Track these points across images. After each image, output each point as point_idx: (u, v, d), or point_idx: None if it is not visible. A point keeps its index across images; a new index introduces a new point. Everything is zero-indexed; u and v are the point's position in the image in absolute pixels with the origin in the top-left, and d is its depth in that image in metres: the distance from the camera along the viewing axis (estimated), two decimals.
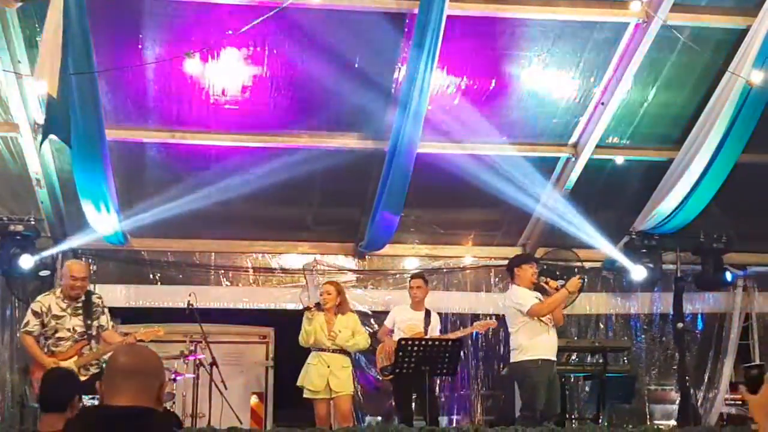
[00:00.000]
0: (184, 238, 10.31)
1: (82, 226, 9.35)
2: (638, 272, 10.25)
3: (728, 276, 10.50)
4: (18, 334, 8.42)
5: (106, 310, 7.80)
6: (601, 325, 10.97)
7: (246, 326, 10.78)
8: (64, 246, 9.59)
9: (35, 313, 7.54)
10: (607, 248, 10.04)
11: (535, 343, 7.76)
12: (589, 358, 9.99)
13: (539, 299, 7.93)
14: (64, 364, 7.31)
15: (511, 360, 7.95)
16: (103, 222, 9.05)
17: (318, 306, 8.55)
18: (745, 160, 9.00)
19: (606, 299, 10.98)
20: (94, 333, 7.60)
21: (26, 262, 9.35)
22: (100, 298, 7.87)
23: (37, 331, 7.51)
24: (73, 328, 7.52)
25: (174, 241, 10.32)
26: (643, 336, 11.08)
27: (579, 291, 8.14)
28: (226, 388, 8.71)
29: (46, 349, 7.49)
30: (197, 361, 9.10)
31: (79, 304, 7.62)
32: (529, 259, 8.58)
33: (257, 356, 10.66)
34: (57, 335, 7.49)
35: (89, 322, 7.58)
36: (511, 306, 7.96)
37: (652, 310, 11.08)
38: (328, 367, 8.37)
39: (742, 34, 8.34)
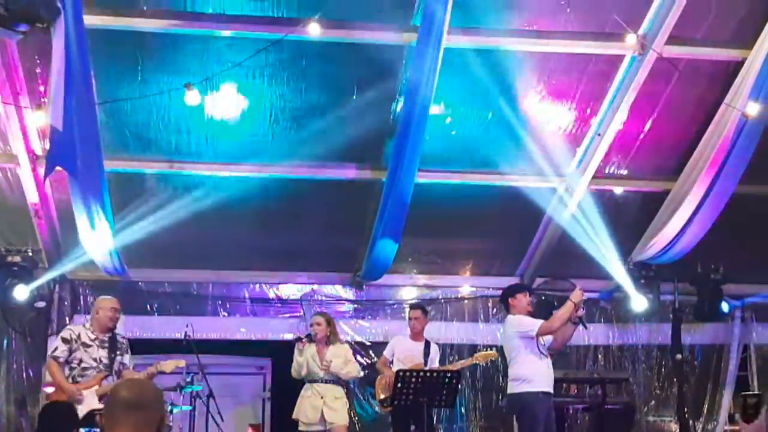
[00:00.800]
0: (182, 268, 10.29)
1: (79, 257, 9.34)
2: (640, 302, 10.23)
3: (724, 307, 10.49)
4: (46, 360, 8.45)
5: (129, 351, 7.93)
6: (600, 357, 10.95)
7: (243, 357, 10.74)
8: (55, 272, 9.59)
9: (64, 340, 7.65)
10: (618, 273, 9.98)
11: (535, 375, 7.72)
12: (587, 390, 9.95)
13: None
14: (86, 392, 7.43)
15: (510, 391, 7.90)
16: (100, 252, 9.04)
17: (309, 337, 8.54)
18: (741, 191, 9.02)
19: (604, 330, 10.97)
20: (116, 368, 7.74)
21: (21, 293, 9.34)
22: (125, 338, 8.03)
23: (63, 357, 7.59)
24: (99, 359, 7.66)
25: (171, 271, 10.31)
26: (641, 367, 11.05)
27: (582, 307, 8.00)
28: (222, 420, 8.65)
29: (70, 379, 7.57)
30: (194, 393, 9.05)
31: (106, 339, 7.77)
32: (523, 288, 8.55)
33: (254, 387, 10.61)
34: (82, 365, 7.61)
35: (113, 356, 7.72)
36: (514, 334, 7.89)
37: (650, 341, 11.06)
38: (322, 398, 8.35)
39: (737, 66, 8.42)
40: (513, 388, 7.82)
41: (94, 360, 7.62)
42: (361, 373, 8.78)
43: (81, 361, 7.60)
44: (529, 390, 7.69)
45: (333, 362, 8.39)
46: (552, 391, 7.89)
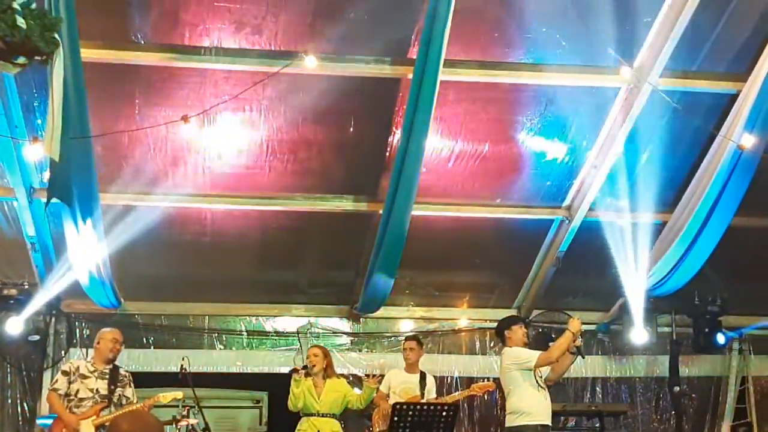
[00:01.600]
0: (178, 301, 10.27)
1: (76, 290, 9.32)
2: (640, 335, 10.19)
3: (720, 339, 10.42)
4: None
5: (132, 384, 7.98)
6: (598, 389, 10.89)
7: (239, 390, 10.68)
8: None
9: (64, 373, 7.88)
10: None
11: (533, 408, 7.67)
12: (585, 422, 9.90)
13: None
14: (82, 422, 7.56)
15: (509, 425, 7.83)
16: (96, 286, 9.03)
17: (305, 369, 8.49)
18: (737, 223, 9.02)
19: (602, 362, 10.92)
20: (116, 400, 7.83)
21: (14, 326, 9.31)
22: (127, 372, 8.17)
23: (63, 390, 7.79)
24: (96, 390, 7.81)
25: (167, 304, 10.28)
26: (639, 399, 11.00)
27: (580, 337, 7.96)
28: None
29: (68, 410, 7.72)
30: (190, 426, 8.98)
31: (107, 371, 7.92)
32: (518, 320, 8.52)
33: (250, 421, 10.54)
34: (79, 395, 7.78)
35: (112, 387, 7.84)
36: (512, 366, 7.85)
37: (648, 373, 11.02)
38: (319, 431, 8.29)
39: (732, 98, 8.45)
40: (511, 421, 7.76)
41: (91, 391, 7.71)
42: (363, 405, 8.66)
43: (78, 392, 7.72)
44: (527, 423, 7.64)
45: (331, 398, 8.33)
46: (550, 423, 7.85)
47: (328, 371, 8.57)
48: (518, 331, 7.99)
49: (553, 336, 9.71)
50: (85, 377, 7.82)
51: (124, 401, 7.91)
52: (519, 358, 7.78)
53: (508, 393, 7.90)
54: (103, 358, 7.96)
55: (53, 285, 9.29)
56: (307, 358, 8.71)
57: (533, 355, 7.70)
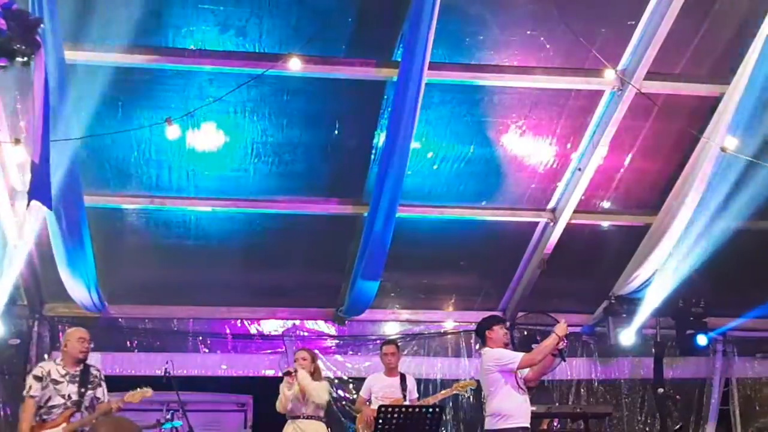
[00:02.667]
0: (162, 304, 10.22)
1: (60, 294, 9.27)
2: (625, 337, 10.21)
3: (700, 340, 10.43)
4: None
5: (103, 383, 7.80)
6: (582, 391, 10.91)
7: (224, 394, 10.62)
8: None
9: (37, 378, 7.52)
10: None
11: (513, 410, 7.63)
12: (570, 424, 9.90)
13: None
14: (52, 431, 7.31)
15: (488, 427, 7.75)
16: (80, 289, 8.98)
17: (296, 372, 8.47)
18: (721, 225, 9.06)
19: (586, 364, 10.95)
20: (88, 403, 7.60)
21: None
22: (99, 370, 7.87)
23: (39, 396, 7.46)
24: (68, 395, 7.53)
25: (151, 307, 10.24)
26: (624, 401, 11.03)
27: (565, 340, 7.95)
28: None
29: (38, 418, 7.43)
30: (174, 430, 8.95)
31: (77, 373, 7.63)
32: (499, 320, 8.37)
33: (235, 424, 10.49)
34: (50, 403, 7.47)
35: (83, 390, 7.57)
36: (493, 367, 7.80)
37: (632, 375, 11.05)
38: None
39: (715, 101, 8.50)
40: (491, 424, 7.66)
41: (63, 397, 7.48)
42: (324, 400, 8.56)
43: (50, 399, 7.48)
44: (508, 426, 7.58)
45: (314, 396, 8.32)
46: (530, 426, 7.81)
47: (315, 375, 8.55)
48: (499, 332, 7.90)
49: (538, 338, 9.70)
50: (57, 382, 7.50)
51: (95, 403, 7.63)
52: (501, 359, 7.72)
53: (489, 394, 7.79)
54: (73, 359, 7.62)
55: (39, 290, 9.28)
56: (295, 360, 8.67)
57: (516, 357, 7.66)
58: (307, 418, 8.33)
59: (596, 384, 10.98)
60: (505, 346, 7.88)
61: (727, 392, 11.25)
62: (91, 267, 8.72)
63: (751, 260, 9.78)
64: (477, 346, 10.73)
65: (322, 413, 8.47)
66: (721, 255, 9.31)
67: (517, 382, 7.68)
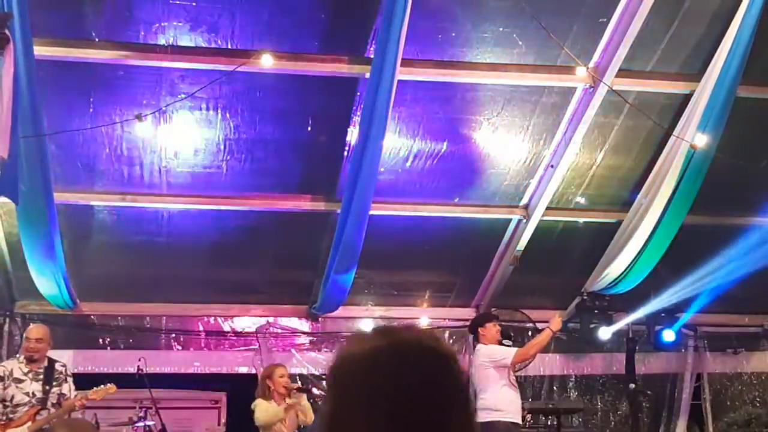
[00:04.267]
0: (135, 301, 10.16)
1: (30, 291, 9.20)
2: (604, 332, 10.27)
3: (667, 336, 10.47)
4: None
5: (69, 379, 7.77)
6: (555, 387, 10.97)
7: (197, 391, 10.58)
8: None
9: None
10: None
11: (507, 405, 7.61)
12: (542, 420, 9.95)
13: None
14: (17, 430, 7.28)
15: (480, 420, 7.66)
16: (50, 286, 8.91)
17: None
18: (691, 221, 9.14)
19: (559, 360, 11.00)
20: (54, 400, 7.57)
21: None
22: (64, 366, 7.87)
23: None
24: (32, 393, 7.50)
25: (124, 304, 10.17)
26: (597, 397, 11.10)
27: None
28: None
29: (4, 417, 7.39)
30: (146, 428, 8.90)
31: (41, 370, 7.61)
32: (492, 317, 8.49)
33: (208, 422, 10.45)
34: (14, 401, 7.44)
35: (48, 388, 7.54)
36: (487, 363, 7.77)
37: (605, 370, 11.12)
38: None
39: (685, 98, 8.57)
40: (483, 417, 7.64)
41: (26, 395, 7.44)
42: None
43: (13, 397, 7.43)
44: (500, 419, 7.58)
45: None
46: (521, 422, 7.82)
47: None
48: (492, 329, 7.96)
49: (511, 334, 9.72)
50: (19, 381, 7.51)
51: (62, 400, 7.63)
52: (495, 355, 7.73)
53: (481, 390, 7.80)
54: (27, 358, 7.65)
55: (10, 287, 9.20)
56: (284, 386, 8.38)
57: (509, 353, 7.68)
58: None
59: (569, 379, 11.04)
60: (498, 342, 7.92)
61: (698, 387, 11.34)
62: (60, 264, 8.66)
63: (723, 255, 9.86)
64: (451, 341, 10.76)
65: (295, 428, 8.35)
66: (690, 251, 9.38)
67: (510, 379, 7.70)
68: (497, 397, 7.67)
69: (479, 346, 7.97)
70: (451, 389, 1.79)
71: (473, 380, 8.08)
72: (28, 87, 6.94)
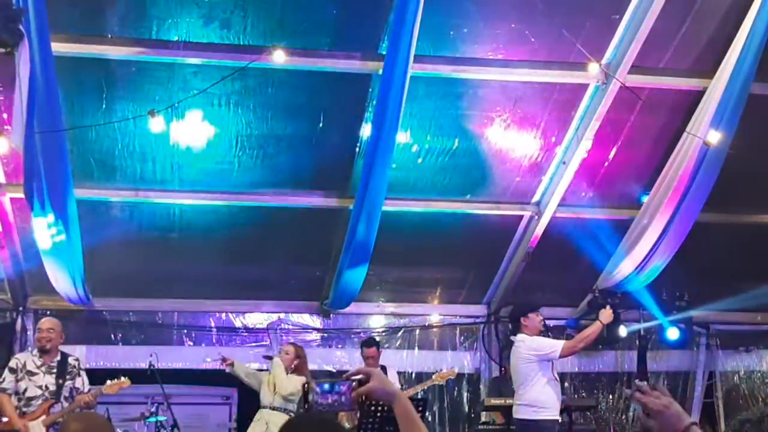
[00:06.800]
0: (147, 297, 10.20)
1: (43, 286, 9.23)
2: (622, 330, 10.22)
3: (670, 334, 10.41)
4: None
5: (83, 373, 7.83)
6: (567, 384, 10.94)
7: (209, 387, 10.61)
8: None
9: (11, 370, 7.59)
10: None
11: (550, 402, 7.43)
12: None
13: None
14: (32, 423, 7.34)
15: (523, 416, 7.50)
16: (66, 281, 8.93)
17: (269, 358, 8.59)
18: (704, 219, 9.11)
19: (571, 357, 10.93)
20: (67, 394, 7.63)
21: None
22: (77, 360, 7.93)
23: (11, 389, 7.52)
24: (45, 386, 7.56)
25: (136, 300, 10.21)
26: (608, 394, 11.07)
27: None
28: None
29: (18, 410, 7.43)
30: (159, 423, 8.94)
31: (54, 363, 7.66)
32: (534, 307, 8.15)
33: (220, 418, 10.49)
34: (27, 395, 7.47)
35: (61, 381, 7.59)
36: (532, 357, 7.52)
37: (617, 368, 11.09)
38: (267, 425, 8.32)
39: (698, 95, 8.53)
40: (527, 413, 7.50)
41: (40, 388, 7.48)
42: (288, 392, 8.58)
43: (26, 390, 7.47)
44: (547, 417, 7.41)
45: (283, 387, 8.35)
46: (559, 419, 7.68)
47: (297, 371, 8.56)
48: (535, 319, 7.70)
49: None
50: (32, 374, 7.56)
51: (75, 394, 7.69)
52: (542, 348, 7.48)
53: (522, 383, 7.60)
54: (40, 349, 7.72)
55: (24, 283, 9.23)
56: (279, 352, 8.73)
57: (557, 345, 7.46)
58: (273, 409, 8.40)
59: (580, 377, 11.02)
60: (540, 333, 7.72)
61: (710, 385, 11.30)
62: (78, 259, 8.67)
63: (736, 253, 9.83)
64: (461, 338, 10.77)
65: (291, 406, 8.50)
66: (703, 249, 9.36)
67: (554, 372, 7.57)
68: (542, 393, 7.43)
69: (522, 337, 7.64)
70: None
71: (512, 372, 7.88)
72: (45, 83, 6.94)
